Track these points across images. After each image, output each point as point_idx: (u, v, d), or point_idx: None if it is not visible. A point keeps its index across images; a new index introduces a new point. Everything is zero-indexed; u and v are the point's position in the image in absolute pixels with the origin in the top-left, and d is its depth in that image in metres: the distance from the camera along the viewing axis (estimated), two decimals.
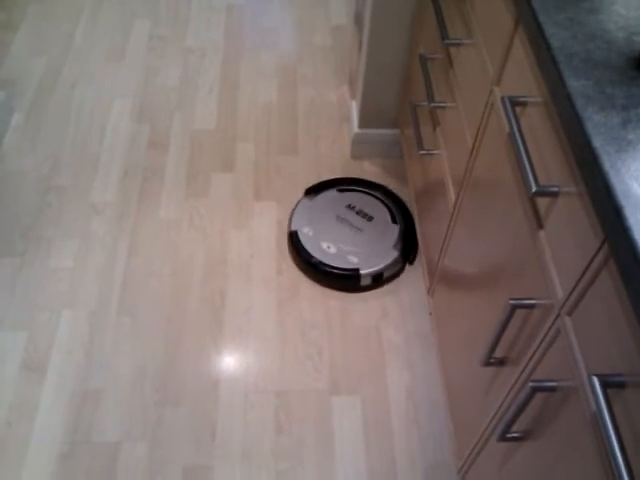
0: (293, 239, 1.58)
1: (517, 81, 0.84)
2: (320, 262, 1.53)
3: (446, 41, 1.10)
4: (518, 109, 0.82)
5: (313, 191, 1.69)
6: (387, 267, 1.54)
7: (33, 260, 1.59)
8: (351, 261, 1.53)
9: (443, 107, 1.21)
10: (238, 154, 1.84)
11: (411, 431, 1.35)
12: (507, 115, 0.77)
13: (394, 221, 1.62)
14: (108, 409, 1.36)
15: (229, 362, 1.44)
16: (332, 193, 1.68)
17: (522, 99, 0.80)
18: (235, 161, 1.82)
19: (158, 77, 2.05)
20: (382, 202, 1.66)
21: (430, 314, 1.43)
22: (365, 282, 1.53)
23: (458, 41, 1.10)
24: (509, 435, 0.83)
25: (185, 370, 1.42)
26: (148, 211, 1.70)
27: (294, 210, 1.64)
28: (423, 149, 1.33)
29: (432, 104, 1.22)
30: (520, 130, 0.76)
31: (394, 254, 1.56)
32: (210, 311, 1.51)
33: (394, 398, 1.39)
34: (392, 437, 1.34)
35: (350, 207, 1.63)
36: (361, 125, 1.77)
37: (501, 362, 0.89)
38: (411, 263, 1.59)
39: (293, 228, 1.59)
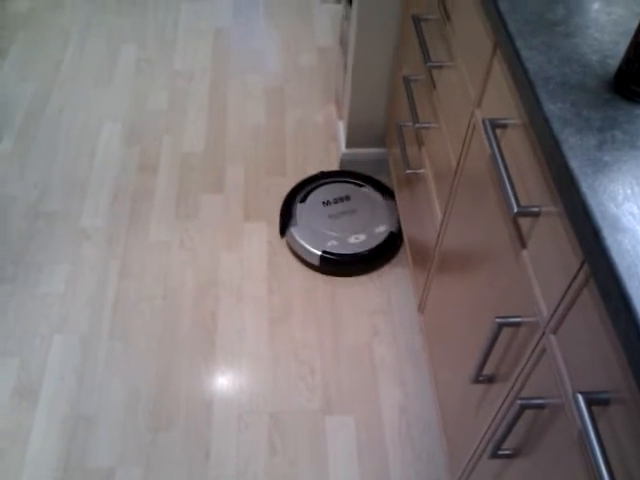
0: (329, 258, 1.60)
1: (497, 103, 0.86)
2: (369, 250, 1.61)
3: (428, 64, 1.13)
4: (499, 131, 0.83)
5: (286, 222, 1.68)
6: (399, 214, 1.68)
7: (24, 286, 1.59)
8: (381, 231, 1.65)
9: (427, 128, 1.23)
10: (227, 176, 1.85)
11: (405, 449, 1.35)
12: (488, 137, 0.79)
13: (361, 186, 1.75)
14: (101, 434, 1.36)
15: (222, 383, 1.44)
16: (301, 207, 1.71)
17: (502, 121, 0.82)
18: (224, 183, 1.84)
19: (147, 101, 2.06)
20: (338, 182, 1.77)
21: (421, 331, 1.44)
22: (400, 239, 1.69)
23: (440, 64, 1.12)
24: (500, 452, 0.83)
25: (178, 393, 1.42)
26: (138, 234, 1.71)
27: (300, 244, 1.62)
28: (410, 168, 1.35)
29: (417, 125, 1.24)
30: (501, 152, 0.77)
31: (392, 202, 1.70)
32: (202, 333, 1.52)
33: (387, 416, 1.40)
34: (386, 456, 1.34)
35: (326, 203, 1.71)
36: (348, 145, 1.79)
37: (490, 379, 0.90)
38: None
39: (319, 252, 1.60)
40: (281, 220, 1.71)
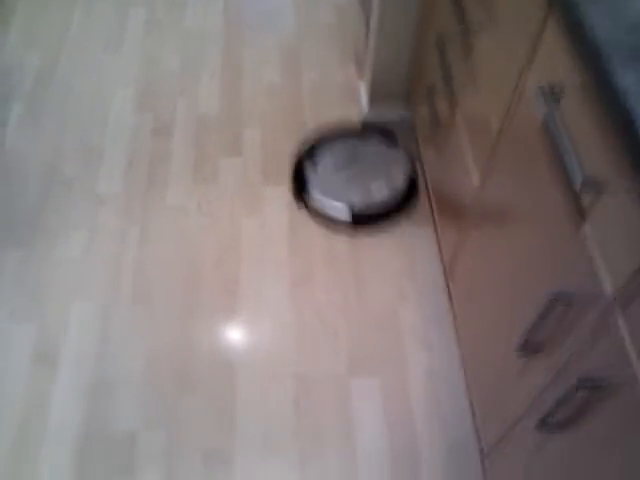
0: (361, 214, 1.62)
1: (551, 67, 0.82)
2: (395, 198, 1.64)
3: (462, 25, 1.07)
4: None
5: (302, 187, 1.68)
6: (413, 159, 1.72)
7: (40, 251, 1.57)
8: (400, 178, 1.67)
9: (462, 89, 1.19)
10: (245, 138, 1.81)
11: (432, 411, 1.35)
12: (545, 105, 0.75)
13: (366, 139, 1.76)
14: (124, 398, 1.36)
15: (245, 347, 1.44)
16: (314, 170, 1.69)
17: (558, 87, 0.78)
18: (242, 145, 1.80)
19: (158, 64, 2.01)
20: (343, 140, 1.76)
21: (449, 298, 1.42)
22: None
23: (477, 22, 1.07)
24: (547, 425, 0.83)
25: (200, 356, 1.41)
26: (156, 199, 1.68)
27: (326, 208, 1.63)
28: (442, 129, 1.30)
29: (450, 86, 1.19)
30: (559, 121, 0.74)
31: (400, 151, 1.73)
32: (224, 296, 1.50)
33: (414, 379, 1.39)
34: (413, 417, 1.35)
35: (337, 164, 1.70)
36: (371, 105, 1.74)
37: (536, 351, 0.88)
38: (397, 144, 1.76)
39: (349, 210, 1.61)
40: (295, 185, 1.69)
